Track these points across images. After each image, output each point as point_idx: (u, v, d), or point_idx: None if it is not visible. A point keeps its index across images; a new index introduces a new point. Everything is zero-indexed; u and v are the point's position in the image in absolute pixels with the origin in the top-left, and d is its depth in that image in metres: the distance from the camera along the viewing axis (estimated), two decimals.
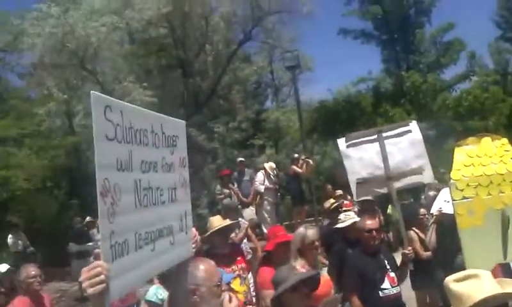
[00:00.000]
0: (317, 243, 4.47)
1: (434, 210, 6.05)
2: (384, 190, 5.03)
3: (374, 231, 4.67)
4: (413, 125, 5.09)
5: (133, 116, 1.89)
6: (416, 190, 9.69)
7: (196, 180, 16.05)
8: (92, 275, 1.53)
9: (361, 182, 4.93)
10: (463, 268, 2.71)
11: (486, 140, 4.20)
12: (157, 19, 16.30)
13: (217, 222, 4.88)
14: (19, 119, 19.08)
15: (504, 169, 3.94)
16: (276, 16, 18.02)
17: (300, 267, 4.16)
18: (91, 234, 11.43)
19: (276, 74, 25.07)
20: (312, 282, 3.31)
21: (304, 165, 11.08)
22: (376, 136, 4.94)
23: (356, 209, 7.46)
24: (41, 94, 18.00)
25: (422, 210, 6.69)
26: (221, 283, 2.75)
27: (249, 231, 8.03)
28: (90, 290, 1.51)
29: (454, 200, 3.89)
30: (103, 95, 1.73)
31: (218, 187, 10.94)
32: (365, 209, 6.49)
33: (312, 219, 12.20)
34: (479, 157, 4.07)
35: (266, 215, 10.32)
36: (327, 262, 5.92)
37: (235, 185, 10.59)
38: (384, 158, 4.83)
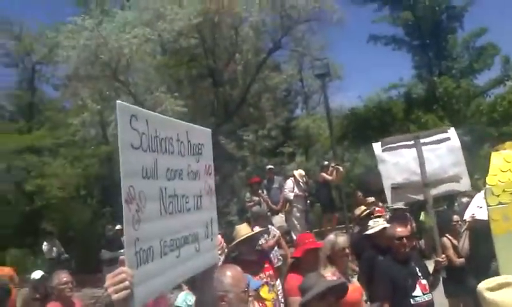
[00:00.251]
0: (347, 250, 4.44)
1: (467, 216, 5.92)
2: (420, 197, 4.96)
3: (404, 239, 4.60)
4: (452, 132, 5.01)
5: (158, 125, 1.93)
6: (451, 197, 9.50)
7: (226, 188, 16.15)
8: (117, 281, 1.55)
9: (396, 187, 4.87)
10: (497, 275, 2.65)
11: None
12: (187, 30, 16.49)
13: (243, 230, 4.89)
14: (54, 130, 19.70)
15: None
16: (305, 24, 17.96)
17: (330, 274, 4.14)
18: (123, 241, 11.60)
19: (305, 82, 25.02)
20: (339, 290, 3.28)
21: (334, 172, 11.04)
22: (413, 142, 4.88)
23: (387, 216, 7.37)
24: (75, 105, 18.49)
25: (455, 217, 6.55)
26: (248, 288, 2.76)
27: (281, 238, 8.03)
28: (115, 296, 1.53)
29: (489, 206, 3.80)
30: (129, 105, 1.77)
31: (248, 194, 11.00)
32: (396, 216, 6.40)
33: (343, 226, 12.10)
34: None
35: (296, 222, 10.30)
36: (357, 269, 5.86)
37: (265, 193, 10.60)
38: (422, 165, 4.76)
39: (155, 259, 1.79)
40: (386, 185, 4.90)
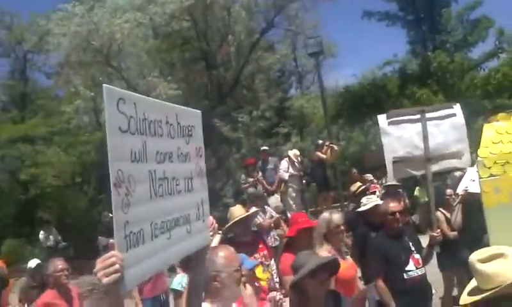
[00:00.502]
0: (342, 227, 4.48)
1: (460, 189, 5.97)
2: (420, 172, 4.98)
3: (397, 214, 4.65)
4: (457, 108, 4.99)
5: (147, 108, 1.92)
6: (447, 172, 9.55)
7: (221, 170, 16.20)
8: (107, 265, 1.56)
9: (398, 161, 4.87)
10: None
11: None
12: (179, 13, 16.37)
13: (238, 212, 4.94)
14: (47, 118, 19.67)
15: None
16: (298, 2, 17.85)
17: (326, 252, 4.18)
18: None
19: (299, 61, 24.90)
20: (331, 267, 3.32)
21: (329, 151, 11.07)
22: (418, 116, 4.87)
23: (382, 192, 7.45)
24: (68, 92, 18.43)
25: (449, 191, 6.60)
26: (241, 268, 2.80)
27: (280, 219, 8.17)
28: (105, 280, 1.55)
29: (480, 178, 3.82)
30: (115, 88, 1.77)
31: (243, 176, 11.04)
32: (389, 192, 6.45)
33: (338, 204, 12.17)
34: (508, 133, 3.97)
35: (291, 202, 10.35)
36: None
37: (260, 174, 10.63)
38: (425, 139, 4.76)
39: (145, 242, 1.80)
40: (388, 158, 4.87)
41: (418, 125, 4.79)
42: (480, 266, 2.06)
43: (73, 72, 16.40)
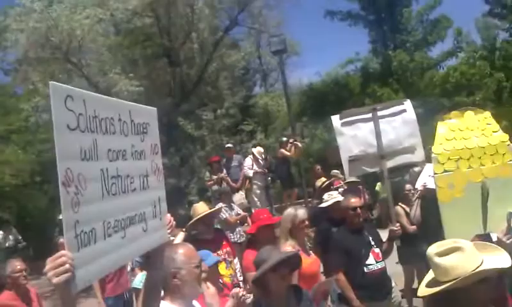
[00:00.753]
0: (307, 222, 4.52)
1: (418, 185, 6.11)
2: (376, 169, 5.07)
3: (358, 209, 4.73)
4: (408, 104, 5.11)
5: (97, 105, 1.88)
6: (406, 167, 9.76)
7: (186, 168, 16.09)
8: (56, 264, 1.53)
9: (354, 160, 4.96)
10: None
11: (469, 114, 4.23)
12: (141, 9, 16.15)
13: (201, 209, 4.92)
14: (5, 116, 19.00)
15: (486, 142, 3.97)
16: (262, 0, 17.93)
17: (291, 247, 4.21)
18: None
19: (263, 59, 25.01)
20: (292, 262, 3.34)
21: (293, 148, 11.16)
22: (370, 114, 4.96)
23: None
24: (26, 89, 17.87)
25: (408, 186, 6.75)
26: (201, 265, 2.78)
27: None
28: (55, 280, 1.51)
29: (435, 173, 3.93)
30: (63, 85, 1.73)
31: (207, 173, 10.99)
32: (350, 188, 6.55)
33: (302, 200, 12.28)
34: (461, 130, 4.11)
35: (256, 199, 10.39)
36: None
37: (224, 171, 10.61)
38: (378, 136, 4.86)
39: (98, 241, 1.76)
40: (344, 157, 4.98)
41: (371, 123, 4.88)
42: (438, 260, 2.11)
43: (32, 69, 15.91)
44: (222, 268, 4.53)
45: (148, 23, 17.38)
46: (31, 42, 14.77)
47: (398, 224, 5.10)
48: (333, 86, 21.60)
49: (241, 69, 22.40)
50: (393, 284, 4.91)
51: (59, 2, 15.46)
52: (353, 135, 4.96)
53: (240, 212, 8.56)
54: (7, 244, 12.26)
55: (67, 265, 1.54)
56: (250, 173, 10.45)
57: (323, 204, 5.76)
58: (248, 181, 10.58)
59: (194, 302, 2.82)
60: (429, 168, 5.80)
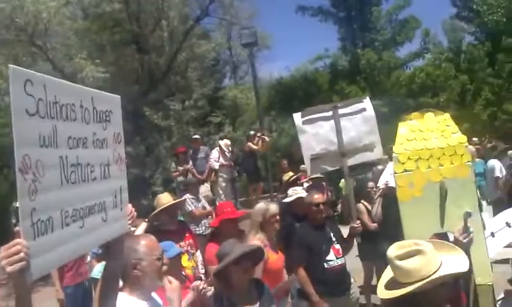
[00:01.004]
0: (277, 217, 4.54)
1: (381, 183, 6.22)
2: (337, 166, 5.13)
3: (321, 205, 4.79)
4: (367, 102, 5.19)
5: (59, 91, 1.83)
6: (369, 165, 9.91)
7: (151, 158, 15.91)
8: (11, 253, 1.49)
9: (315, 158, 5.01)
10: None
11: (429, 115, 4.31)
12: None
13: (165, 199, 4.88)
14: None
15: (445, 143, 4.05)
16: None
17: (259, 240, 4.22)
18: None
19: (234, 51, 24.91)
20: (255, 256, 3.36)
21: (260, 142, 11.18)
22: (331, 112, 5.02)
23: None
24: None
25: (370, 183, 6.84)
26: (162, 257, 2.76)
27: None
28: (9, 268, 1.48)
29: (395, 173, 4.01)
30: (23, 69, 1.67)
31: (173, 164, 10.90)
32: (313, 185, 6.62)
33: (267, 195, 12.34)
34: (421, 131, 4.18)
35: (221, 192, 10.37)
36: None
37: (190, 163, 10.55)
38: (339, 134, 4.92)
39: (55, 230, 1.72)
40: (306, 155, 5.04)
41: (332, 121, 4.95)
42: (399, 262, 2.12)
43: None
44: (184, 260, 4.51)
45: (117, 9, 17.04)
46: None
47: (359, 221, 5.20)
48: (302, 82, 21.75)
49: (211, 60, 22.27)
50: (352, 280, 4.99)
51: None
52: (315, 133, 5.01)
53: (207, 205, 8.55)
54: None
55: (22, 254, 1.50)
56: (216, 166, 10.42)
57: (286, 200, 5.80)
58: (213, 173, 10.54)
59: (154, 295, 2.80)
60: (391, 167, 5.92)
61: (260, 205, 4.66)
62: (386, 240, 5.66)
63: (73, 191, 1.88)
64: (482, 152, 10.83)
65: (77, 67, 14.61)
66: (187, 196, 8.31)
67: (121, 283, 2.52)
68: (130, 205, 2.36)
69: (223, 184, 10.48)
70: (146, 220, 4.80)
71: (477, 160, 9.67)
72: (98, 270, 4.80)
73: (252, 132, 12.00)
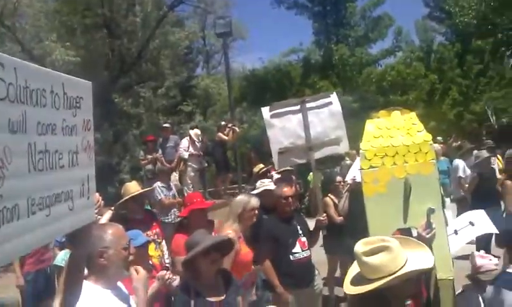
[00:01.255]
0: (256, 211, 4.54)
1: (348, 178, 6.31)
2: (304, 160, 5.18)
3: (289, 198, 4.84)
4: (334, 97, 5.25)
5: (29, 75, 1.80)
6: (338, 159, 10.03)
7: (119, 145, 15.69)
8: None
9: (283, 151, 5.06)
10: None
11: (396, 113, 4.40)
12: None
13: (133, 188, 4.86)
14: None
15: (410, 141, 4.14)
16: None
17: (234, 232, 4.23)
18: None
19: (208, 40, 24.79)
20: (224, 247, 3.38)
21: (231, 133, 11.17)
22: (299, 106, 5.06)
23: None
24: None
25: (338, 178, 6.93)
26: (129, 247, 2.76)
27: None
28: None
29: (362, 169, 4.09)
30: None
31: (142, 152, 10.79)
32: (282, 177, 6.65)
33: (236, 186, 12.36)
34: (388, 129, 4.27)
35: (189, 182, 10.31)
36: None
37: (160, 151, 10.47)
38: (306, 128, 4.97)
39: (21, 218, 1.70)
40: (274, 149, 5.08)
41: (300, 115, 5.00)
42: (366, 259, 2.16)
43: None
44: (151, 249, 4.50)
45: None
46: None
47: (325, 214, 5.28)
48: (275, 74, 21.80)
49: (184, 48, 22.07)
50: (316, 272, 5.08)
51: None
52: (282, 127, 5.06)
53: (177, 195, 8.55)
54: None
55: None
56: (186, 155, 10.36)
57: (253, 192, 5.83)
58: (182, 163, 10.49)
59: (119, 284, 2.79)
60: (359, 162, 6.02)
61: (242, 197, 4.67)
62: (351, 234, 5.76)
63: (40, 179, 1.85)
64: (447, 150, 11.12)
65: (47, 49, 14.27)
66: (158, 184, 8.26)
67: (86, 271, 2.50)
68: (97, 194, 2.35)
69: (192, 174, 10.43)
70: (112, 208, 4.76)
71: (442, 158, 9.94)
72: (61, 257, 4.74)
73: (223, 123, 11.99)
